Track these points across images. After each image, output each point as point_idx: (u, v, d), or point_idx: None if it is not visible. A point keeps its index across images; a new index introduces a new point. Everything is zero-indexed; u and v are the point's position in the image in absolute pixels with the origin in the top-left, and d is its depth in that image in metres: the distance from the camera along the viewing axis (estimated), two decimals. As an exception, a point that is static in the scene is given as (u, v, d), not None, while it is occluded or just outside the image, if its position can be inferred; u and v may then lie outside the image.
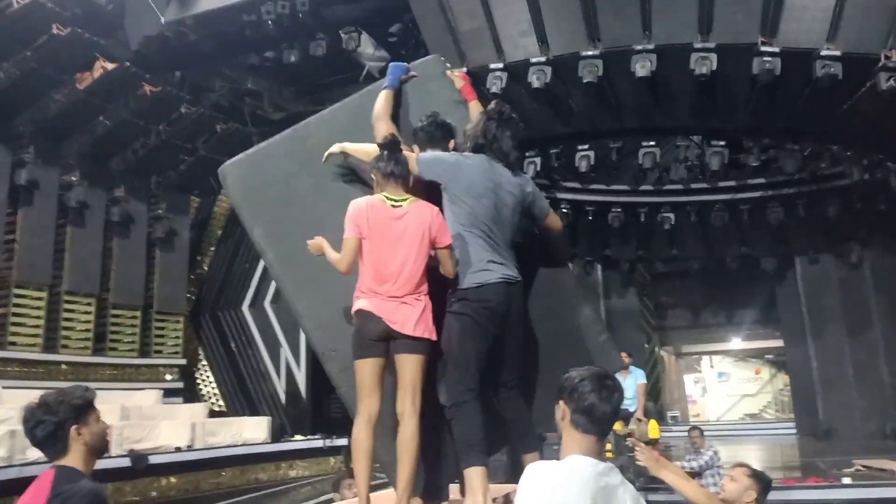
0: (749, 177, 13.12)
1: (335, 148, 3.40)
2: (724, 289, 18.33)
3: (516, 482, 3.21)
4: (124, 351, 12.94)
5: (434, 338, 2.96)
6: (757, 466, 4.74)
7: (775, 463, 11.57)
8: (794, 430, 16.26)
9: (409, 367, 2.88)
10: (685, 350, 25.78)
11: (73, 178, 12.40)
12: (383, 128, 3.38)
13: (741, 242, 15.06)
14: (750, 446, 15.66)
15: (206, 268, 15.83)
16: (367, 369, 2.89)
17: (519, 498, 2.03)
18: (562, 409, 2.11)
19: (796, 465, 11.26)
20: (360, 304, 2.94)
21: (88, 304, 12.43)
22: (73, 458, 2.40)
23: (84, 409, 2.47)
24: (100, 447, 2.51)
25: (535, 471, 2.05)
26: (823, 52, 8.42)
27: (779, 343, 18.83)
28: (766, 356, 25.75)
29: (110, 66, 11.80)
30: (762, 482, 3.79)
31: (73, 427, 2.40)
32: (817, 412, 14.70)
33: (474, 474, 2.79)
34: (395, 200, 3.01)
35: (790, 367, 16.97)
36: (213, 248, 15.94)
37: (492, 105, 3.48)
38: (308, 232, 3.21)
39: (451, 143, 3.46)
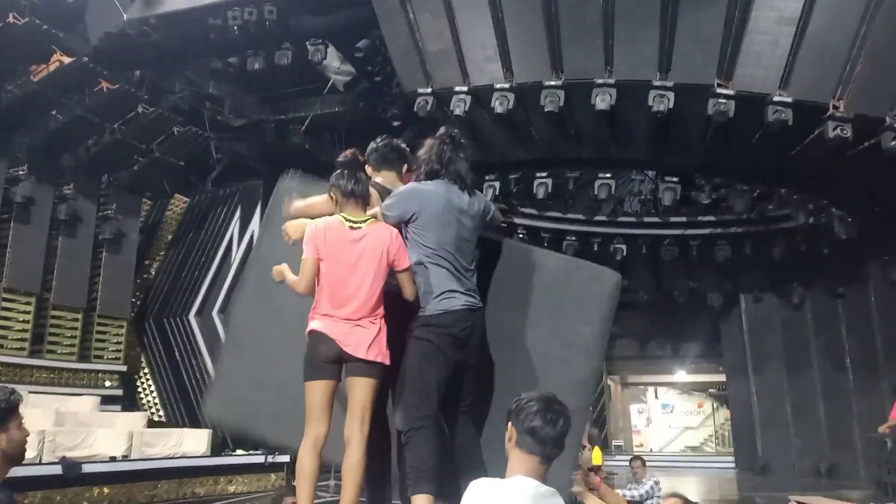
0: (700, 214, 13.47)
1: (292, 211, 3.29)
2: (671, 322, 18.70)
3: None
4: (63, 354, 12.50)
5: (388, 362, 2.93)
6: (696, 499, 4.82)
7: (714, 496, 11.77)
8: (733, 465, 16.58)
9: (361, 390, 2.85)
10: (631, 380, 26.15)
11: (21, 173, 12.01)
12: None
13: (689, 277, 15.41)
14: (690, 478, 15.91)
15: (153, 273, 15.45)
16: (317, 392, 2.85)
17: None
18: (510, 430, 2.14)
19: (734, 499, 11.46)
20: (313, 324, 2.90)
21: (27, 304, 12.01)
22: None
23: (6, 413, 2.31)
24: (16, 456, 2.36)
25: (478, 487, 2.05)
26: (776, 98, 8.76)
27: (722, 377, 19.25)
28: (710, 390, 26.27)
29: (67, 59, 11.53)
30: None
31: None
32: (756, 447, 15.03)
33: (421, 501, 2.78)
34: (354, 222, 2.98)
35: (731, 402, 17.35)
36: (161, 253, 15.59)
37: (442, 129, 3.47)
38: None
39: (405, 167, 3.40)
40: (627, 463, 9.24)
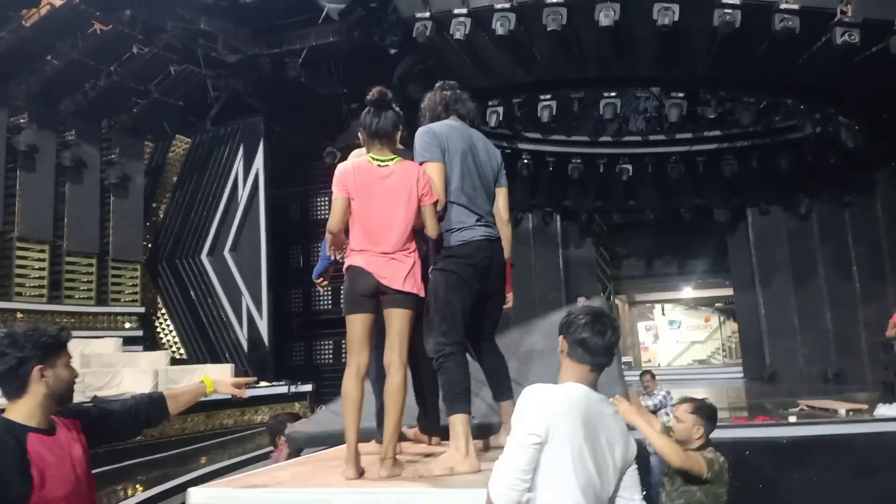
0: (706, 129, 13.37)
1: None
2: (677, 239, 18.79)
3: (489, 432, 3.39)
4: (81, 299, 12.73)
5: (422, 294, 3.02)
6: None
7: (723, 404, 12.07)
8: (741, 375, 16.97)
9: (398, 320, 2.95)
10: (638, 298, 26.47)
11: (22, 120, 11.96)
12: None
13: (696, 194, 15.42)
14: (699, 390, 16.21)
15: (161, 215, 15.53)
16: (357, 324, 2.96)
17: (516, 416, 2.16)
18: (562, 343, 2.27)
19: (743, 406, 11.80)
20: (351, 260, 2.99)
21: (42, 251, 12.15)
22: (27, 403, 2.19)
23: (54, 349, 2.23)
24: (62, 395, 2.26)
25: (534, 391, 2.18)
26: (782, 6, 8.59)
27: (728, 292, 19.49)
28: (716, 304, 26.62)
29: (58, 2, 11.30)
30: (706, 414, 3.91)
31: (37, 367, 2.18)
32: (764, 357, 15.38)
33: (458, 421, 2.93)
34: (381, 160, 3.03)
35: (739, 315, 17.63)
36: (168, 195, 15.63)
37: (438, 82, 3.51)
38: None
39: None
40: (638, 378, 9.51)
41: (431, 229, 3.05)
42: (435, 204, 3.06)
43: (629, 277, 21.96)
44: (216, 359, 13.71)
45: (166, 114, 14.27)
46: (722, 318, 27.36)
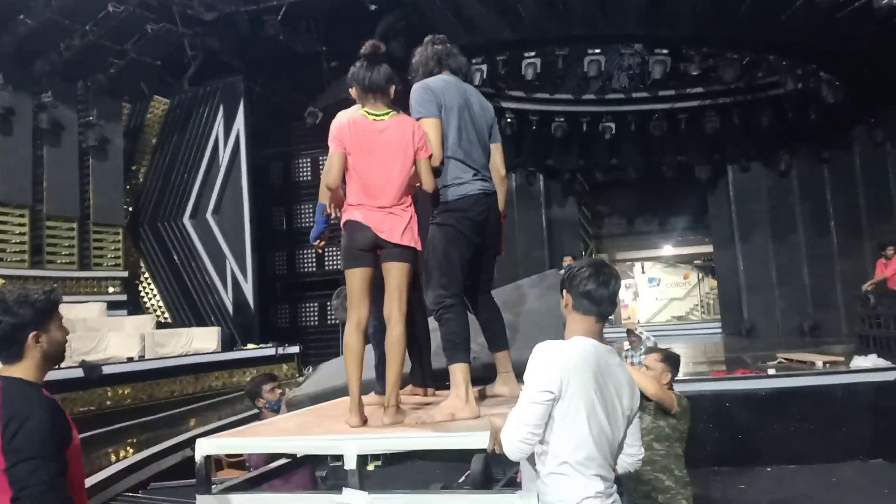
0: (688, 86, 13.39)
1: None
2: (658, 197, 18.93)
3: (486, 380, 3.48)
4: (63, 264, 12.61)
5: (419, 248, 3.06)
6: (685, 362, 5.29)
7: (702, 358, 12.36)
8: (719, 330, 17.30)
9: (396, 273, 2.99)
10: (619, 257, 26.72)
11: (-4, 83, 11.70)
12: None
13: (678, 151, 15.50)
14: (678, 345, 16.52)
15: (141, 178, 15.33)
16: (356, 278, 3.00)
17: (528, 372, 2.23)
18: (566, 298, 2.33)
19: (722, 360, 12.06)
20: (349, 215, 3.01)
21: (21, 216, 11.98)
22: (26, 366, 2.20)
23: (47, 313, 2.24)
24: (56, 356, 2.29)
25: (544, 348, 2.24)
26: (767, -40, 8.56)
27: (708, 249, 19.75)
28: (695, 262, 26.96)
29: (28, -40, 10.98)
30: (672, 362, 4.38)
31: (33, 333, 2.18)
32: (742, 312, 15.68)
33: (458, 370, 3.01)
34: (377, 115, 3.02)
35: (718, 271, 17.90)
36: (148, 158, 15.41)
37: (428, 37, 3.49)
38: None
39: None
40: (620, 335, 9.69)
41: (427, 183, 3.07)
42: (430, 158, 3.08)
43: (610, 236, 22.13)
44: (201, 322, 13.70)
45: (144, 74, 13.98)
46: (700, 275, 27.75)
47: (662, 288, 29.26)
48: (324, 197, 3.34)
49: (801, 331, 14.56)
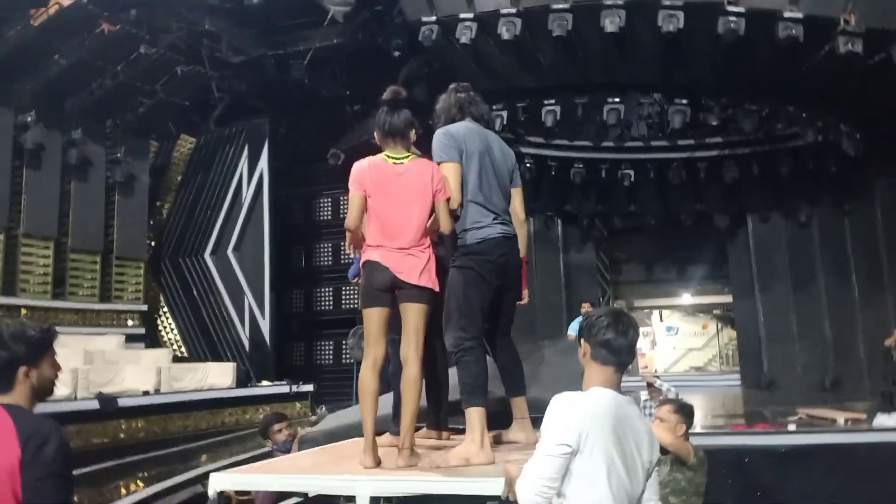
0: (707, 136, 13.45)
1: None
2: (677, 245, 18.83)
3: (503, 425, 3.46)
4: (85, 296, 12.79)
5: (437, 289, 3.10)
6: (703, 415, 5.23)
7: (720, 412, 12.15)
8: (738, 382, 17.00)
9: (413, 315, 3.03)
10: (637, 304, 26.51)
11: (29, 119, 12.02)
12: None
13: (696, 199, 15.47)
14: (696, 396, 16.30)
15: (165, 214, 15.59)
16: (374, 318, 3.04)
17: (546, 424, 2.21)
18: (584, 347, 2.31)
19: (741, 413, 11.85)
20: (368, 255, 3.06)
21: (46, 248, 12.22)
22: (14, 398, 2.22)
23: (41, 350, 2.29)
24: (44, 392, 2.32)
25: (564, 400, 2.22)
26: (786, 14, 8.67)
27: (727, 298, 19.52)
28: (714, 311, 26.65)
29: (66, 2, 11.38)
30: (686, 413, 4.31)
31: (23, 368, 2.23)
32: (762, 364, 15.41)
33: (475, 413, 3.01)
34: (396, 158, 3.10)
35: (737, 321, 17.66)
36: (172, 195, 15.69)
37: (452, 84, 3.59)
38: None
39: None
40: (637, 383, 9.56)
41: (445, 225, 3.12)
42: (448, 201, 3.13)
43: (628, 282, 21.98)
44: (217, 357, 13.77)
45: (171, 114, 14.36)
46: (720, 325, 27.40)
47: (681, 337, 28.88)
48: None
49: (822, 385, 14.27)
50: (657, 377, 8.33)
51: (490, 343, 3.39)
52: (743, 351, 16.99)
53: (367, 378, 2.96)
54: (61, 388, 9.25)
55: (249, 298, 14.15)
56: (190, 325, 14.68)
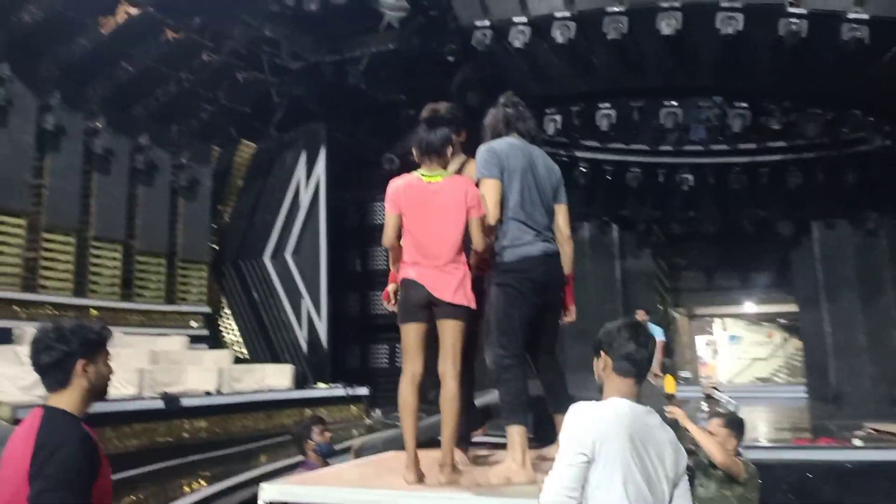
0: (770, 140, 13.08)
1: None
2: (739, 252, 18.38)
3: (547, 442, 3.46)
4: (151, 297, 13.24)
5: (473, 305, 3.11)
6: (767, 428, 5.12)
7: (785, 424, 11.80)
8: (804, 394, 16.46)
9: (450, 331, 3.06)
10: (698, 312, 25.94)
11: (98, 125, 12.50)
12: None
13: (758, 206, 15.07)
14: (760, 409, 15.89)
15: (227, 218, 16.04)
16: (411, 333, 3.10)
17: (563, 433, 2.23)
18: (603, 360, 2.33)
19: (806, 427, 11.48)
20: (404, 272, 3.11)
21: (115, 250, 12.68)
22: (70, 395, 2.28)
23: (97, 346, 2.35)
24: (100, 389, 2.36)
25: (579, 409, 2.25)
26: (851, 15, 8.38)
27: (792, 307, 18.92)
28: (779, 320, 25.84)
29: (133, 10, 11.82)
30: (735, 425, 4.28)
31: (82, 362, 2.28)
32: (828, 377, 14.89)
33: (516, 432, 3.03)
34: (431, 177, 3.15)
35: (803, 332, 17.10)
36: (233, 198, 16.12)
37: (502, 98, 3.61)
38: None
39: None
40: (696, 393, 9.39)
41: (478, 242, 3.13)
42: (482, 218, 3.14)
43: (689, 290, 21.57)
44: (276, 359, 14.06)
45: (233, 119, 14.76)
46: (785, 335, 26.55)
47: (745, 346, 28.09)
48: None
49: (891, 399, 13.70)
50: (716, 388, 8.16)
51: (534, 360, 3.40)
52: (809, 362, 16.45)
53: (406, 393, 3.01)
54: (127, 388, 9.63)
55: (307, 301, 14.42)
56: (250, 327, 15.04)
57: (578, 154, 14.43)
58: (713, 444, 4.09)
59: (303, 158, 15.06)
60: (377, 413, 12.61)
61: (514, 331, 3.16)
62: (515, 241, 3.25)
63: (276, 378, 12.17)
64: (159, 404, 9.37)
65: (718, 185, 14.13)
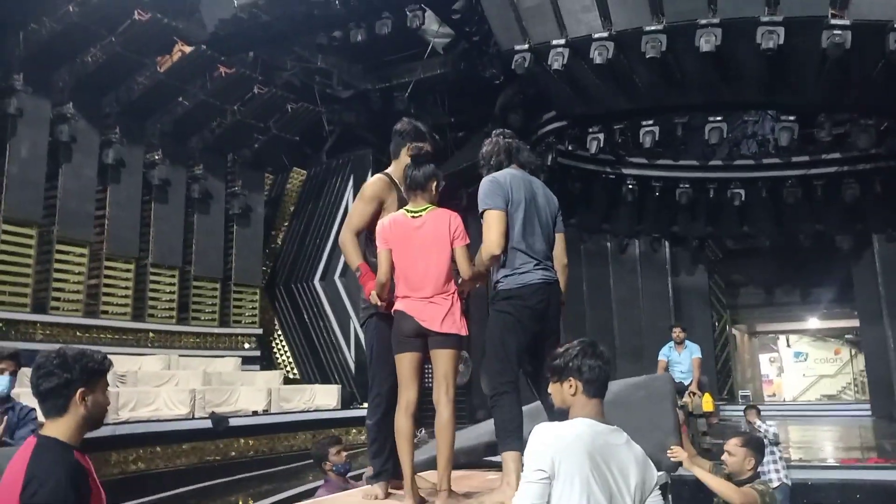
0: (823, 152, 12.73)
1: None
2: (797, 267, 17.82)
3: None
4: (205, 321, 13.71)
5: (463, 332, 3.16)
6: (831, 447, 4.92)
7: (839, 443, 11.35)
8: (869, 413, 15.80)
9: (441, 360, 3.12)
10: (759, 329, 25.18)
11: (156, 157, 13.09)
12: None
13: (815, 219, 14.64)
14: (824, 427, 15.33)
15: (279, 242, 16.48)
16: (405, 363, 3.17)
17: (525, 453, 2.28)
18: (572, 385, 2.36)
19: (858, 446, 11.02)
20: (397, 305, 3.22)
21: (172, 276, 13.20)
22: (66, 423, 2.27)
23: (98, 375, 2.34)
24: (97, 419, 2.35)
25: (540, 429, 2.29)
26: (896, 25, 8.14)
27: (857, 322, 18.22)
28: (846, 336, 24.85)
29: (188, 48, 12.38)
30: (754, 445, 4.12)
31: (81, 390, 2.27)
32: (893, 394, 14.25)
33: (510, 458, 3.05)
34: (415, 212, 3.23)
35: (865, 348, 16.47)
36: (286, 224, 16.57)
37: (496, 130, 3.67)
38: None
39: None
40: (739, 412, 9.11)
41: (464, 271, 3.18)
42: (467, 247, 3.19)
43: (747, 306, 21.00)
44: (325, 379, 14.31)
45: (284, 148, 15.22)
46: (854, 351, 25.48)
47: (810, 363, 27.08)
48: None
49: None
50: (757, 411, 7.93)
51: (536, 387, 3.42)
52: (872, 379, 15.83)
53: (402, 421, 3.08)
54: (180, 408, 9.98)
55: (355, 322, 14.64)
56: (301, 348, 15.37)
57: (625, 171, 14.33)
58: (722, 485, 3.98)
59: (350, 183, 15.38)
60: (422, 433, 12.65)
61: (509, 358, 3.19)
62: (516, 270, 3.29)
63: (323, 398, 12.40)
64: (208, 424, 9.66)
65: (772, 198, 13.83)
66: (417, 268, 3.14)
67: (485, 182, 3.42)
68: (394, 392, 3.44)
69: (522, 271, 3.28)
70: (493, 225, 3.26)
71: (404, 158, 3.61)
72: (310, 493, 8.63)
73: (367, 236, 3.50)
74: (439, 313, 3.09)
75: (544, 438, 2.26)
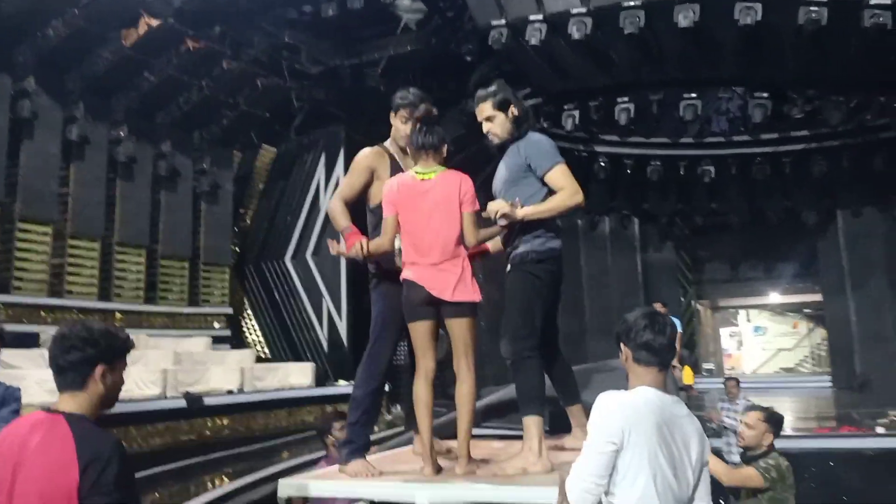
0: (792, 129, 12.94)
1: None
2: (763, 243, 18.20)
3: (559, 433, 3.48)
4: (174, 300, 13.41)
5: (477, 298, 3.10)
6: (791, 417, 5.02)
7: (809, 413, 11.68)
8: (829, 384, 16.29)
9: (458, 329, 3.07)
10: (722, 304, 25.72)
11: (122, 134, 12.65)
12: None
13: (783, 196, 14.93)
14: (784, 398, 15.75)
15: (248, 220, 16.19)
16: (419, 331, 3.11)
17: (592, 422, 2.24)
18: (624, 352, 2.33)
19: (830, 415, 11.36)
20: (404, 273, 3.13)
21: (139, 255, 12.85)
22: (84, 399, 2.20)
23: (120, 354, 2.29)
24: (112, 398, 2.29)
25: (608, 398, 2.26)
26: (872, 1, 8.26)
27: (817, 297, 18.72)
28: (805, 310, 25.56)
29: (154, 22, 11.96)
30: (774, 421, 4.17)
31: (102, 367, 2.21)
32: (854, 365, 14.72)
33: (532, 423, 3.03)
34: (424, 174, 3.15)
35: (828, 321, 16.93)
36: (255, 201, 16.28)
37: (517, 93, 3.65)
38: None
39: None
40: (721, 384, 9.30)
41: (469, 237, 3.12)
42: (475, 213, 3.14)
43: (712, 281, 21.39)
44: (298, 357, 14.18)
45: (253, 124, 14.89)
46: (810, 325, 26.23)
47: (769, 337, 27.81)
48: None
49: (920, 387, 13.49)
50: (737, 388, 8.07)
51: (545, 354, 3.40)
52: (834, 351, 16.31)
53: (421, 390, 3.04)
54: (152, 388, 9.78)
55: (327, 301, 14.51)
56: (272, 327, 15.18)
57: (598, 149, 14.38)
58: (718, 465, 4.03)
59: (322, 161, 15.15)
60: (397, 409, 12.68)
61: (536, 322, 3.16)
62: (548, 234, 3.24)
63: (297, 376, 12.29)
64: (182, 403, 9.50)
65: (741, 176, 14.03)
66: (427, 233, 3.06)
67: (543, 138, 3.38)
68: (391, 366, 3.40)
69: (552, 237, 3.25)
70: (570, 175, 3.21)
71: (399, 125, 3.55)
72: (288, 471, 8.60)
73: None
74: (450, 281, 3.02)
75: (614, 408, 2.23)
